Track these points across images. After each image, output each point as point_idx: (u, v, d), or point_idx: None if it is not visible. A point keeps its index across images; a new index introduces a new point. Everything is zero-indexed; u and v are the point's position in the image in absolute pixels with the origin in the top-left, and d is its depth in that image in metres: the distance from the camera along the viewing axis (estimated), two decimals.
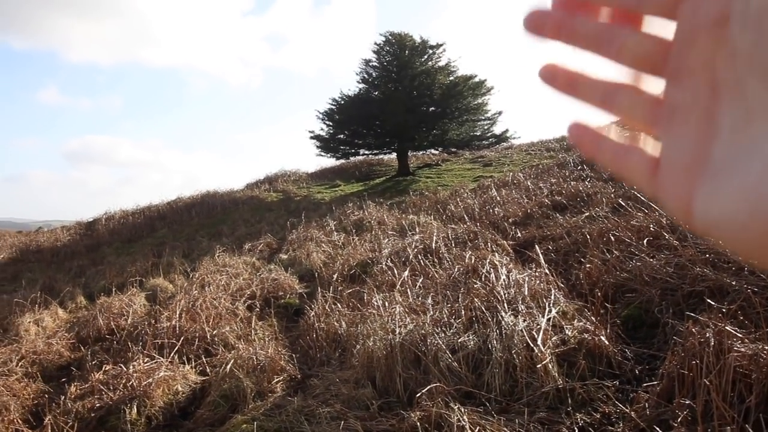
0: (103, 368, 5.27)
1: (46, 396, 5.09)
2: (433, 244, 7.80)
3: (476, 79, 22.18)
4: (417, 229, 9.82)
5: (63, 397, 4.76)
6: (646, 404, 3.14)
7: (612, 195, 8.91)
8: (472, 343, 4.14)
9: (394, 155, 24.47)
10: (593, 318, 4.35)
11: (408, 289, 5.87)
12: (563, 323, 4.28)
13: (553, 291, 4.85)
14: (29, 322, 8.01)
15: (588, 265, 5.51)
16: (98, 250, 16.83)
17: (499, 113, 23.62)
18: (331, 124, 23.50)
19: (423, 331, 4.35)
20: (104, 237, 18.46)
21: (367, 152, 24.52)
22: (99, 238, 18.43)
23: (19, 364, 6.09)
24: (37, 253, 16.87)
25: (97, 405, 4.53)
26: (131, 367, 5.00)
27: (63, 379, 5.70)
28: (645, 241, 5.67)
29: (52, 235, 19.64)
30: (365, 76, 23.69)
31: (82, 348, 6.73)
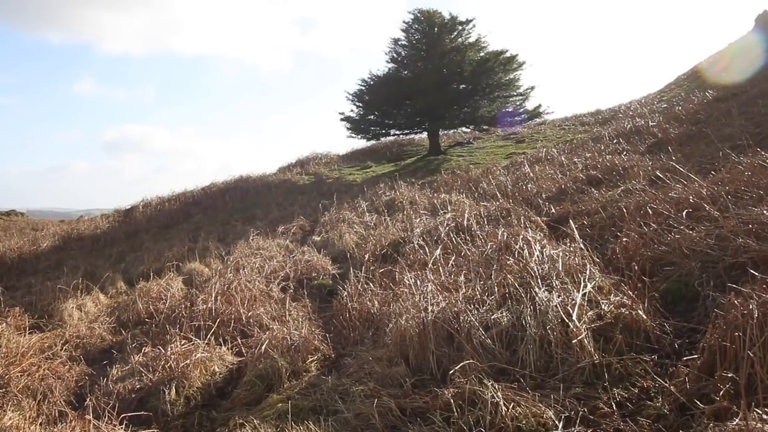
0: (143, 351, 5.41)
1: (89, 378, 5.24)
2: (465, 222, 7.73)
3: (507, 55, 21.70)
4: (449, 208, 9.74)
5: (105, 379, 4.90)
6: (686, 378, 3.06)
7: (649, 167, 8.66)
8: (505, 319, 4.09)
9: (424, 135, 24.25)
10: (630, 292, 4.24)
11: (440, 268, 5.83)
12: (599, 298, 4.19)
13: (588, 266, 4.74)
14: (72, 307, 8.27)
15: (625, 239, 5.37)
16: (136, 237, 17.23)
17: (532, 88, 23.11)
18: (361, 105, 23.37)
19: (455, 309, 4.31)
20: (142, 224, 18.87)
21: (397, 132, 24.35)
22: (137, 224, 18.85)
23: (63, 348, 6.30)
24: (78, 240, 17.36)
25: (138, 386, 4.65)
26: (169, 349, 5.11)
27: (105, 362, 5.87)
28: (684, 213, 5.50)
29: (93, 223, 20.18)
30: (394, 55, 23.44)
31: (122, 331, 6.91)
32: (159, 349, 5.23)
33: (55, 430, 3.90)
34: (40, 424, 4.05)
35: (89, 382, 5.09)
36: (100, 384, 4.85)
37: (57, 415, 4.23)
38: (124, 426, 3.93)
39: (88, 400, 4.35)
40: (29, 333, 6.51)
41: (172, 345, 5.20)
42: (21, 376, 4.71)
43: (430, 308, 4.43)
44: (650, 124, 13.41)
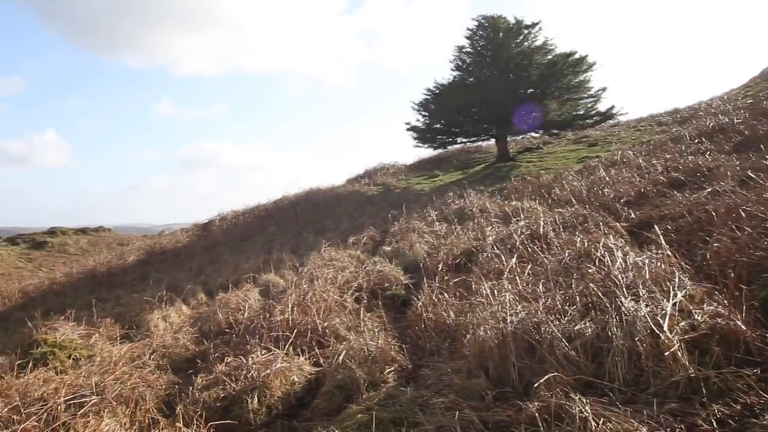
0: (225, 360, 5.57)
1: (176, 387, 5.45)
2: (540, 230, 7.54)
3: (576, 56, 21.10)
4: (521, 215, 9.53)
5: (191, 388, 5.08)
6: None
7: (737, 168, 8.16)
8: (589, 330, 3.94)
9: (492, 141, 23.93)
10: (726, 301, 3.98)
11: (516, 277, 5.70)
12: (691, 307, 3.95)
13: (677, 273, 4.50)
14: (158, 318, 8.67)
15: (716, 245, 5.06)
16: (214, 250, 17.90)
17: (603, 89, 22.34)
18: (426, 114, 23.35)
19: (536, 319, 4.19)
20: (219, 237, 19.59)
21: (464, 140, 24.15)
22: (214, 238, 19.59)
23: (151, 357, 6.59)
24: (160, 254, 18.23)
25: (222, 395, 4.78)
26: (250, 359, 5.23)
27: (190, 371, 6.08)
28: None
29: (173, 237, 21.14)
30: (459, 63, 23.31)
31: (205, 341, 7.15)
32: (240, 358, 5.37)
33: None
34: (135, 430, 4.24)
35: (177, 391, 5.28)
36: (187, 392, 5.03)
37: (149, 422, 4.41)
38: None
39: (177, 408, 4.51)
40: (120, 343, 6.86)
41: (253, 355, 5.33)
42: (115, 383, 4.94)
43: (509, 318, 4.33)
44: (735, 121, 12.66)
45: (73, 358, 6.49)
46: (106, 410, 4.37)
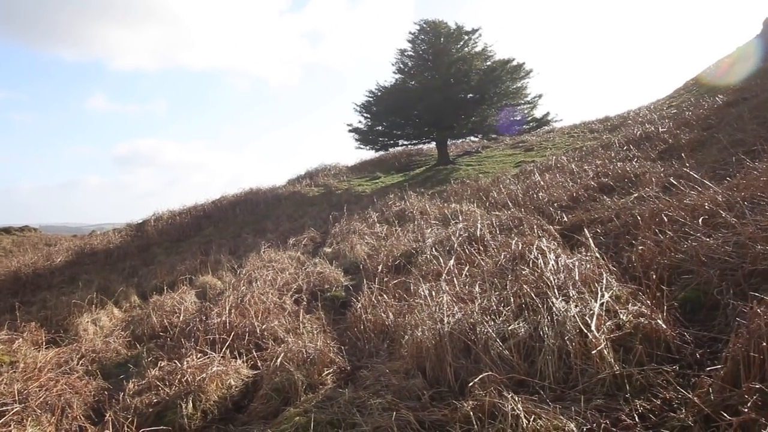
0: (159, 365, 5.40)
1: (106, 393, 5.25)
2: (478, 232, 7.71)
3: (514, 63, 21.75)
4: (460, 218, 9.72)
5: (122, 394, 4.90)
6: (710, 389, 3.01)
7: (662, 174, 8.62)
8: (522, 330, 4.06)
9: (433, 144, 24.28)
10: (648, 301, 4.20)
11: (454, 278, 5.81)
12: (617, 308, 4.15)
13: (604, 275, 4.71)
14: (87, 321, 8.32)
15: (641, 247, 5.33)
16: (149, 251, 17.32)
17: (539, 96, 23.15)
18: (368, 116, 23.46)
19: (472, 320, 4.29)
20: (154, 237, 18.97)
21: (405, 143, 24.41)
22: (149, 238, 18.95)
23: (80, 363, 6.31)
24: (91, 255, 17.47)
25: (155, 400, 4.64)
26: (185, 362, 5.10)
27: (121, 376, 5.87)
28: (700, 220, 5.45)
29: (105, 238, 20.30)
30: (401, 66, 23.54)
31: (137, 345, 6.93)
32: (175, 363, 5.23)
33: None
34: None
35: (107, 397, 5.09)
36: (118, 398, 4.85)
37: (77, 430, 4.23)
38: None
39: (107, 415, 4.35)
40: (46, 348, 6.53)
41: (188, 359, 5.20)
42: (39, 391, 4.71)
43: (446, 319, 4.41)
44: (660, 130, 13.35)
45: None
46: (30, 419, 4.17)
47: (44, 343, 6.83)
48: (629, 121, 18.78)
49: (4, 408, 4.22)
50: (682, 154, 9.39)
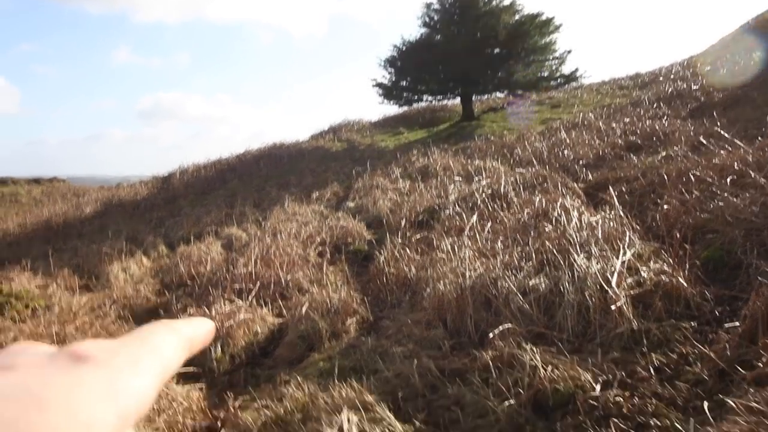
0: (188, 311, 5.62)
1: None
2: (501, 189, 7.71)
3: (543, 18, 21.10)
4: (483, 174, 9.70)
5: None
6: (727, 345, 3.06)
7: (691, 133, 8.45)
8: (543, 285, 4.13)
9: (457, 100, 23.94)
10: (671, 260, 4.21)
11: (477, 234, 5.86)
12: (639, 265, 4.18)
13: (627, 233, 4.72)
14: (118, 269, 8.59)
15: (665, 206, 5.30)
16: (175, 203, 17.61)
17: (568, 52, 22.49)
18: (393, 71, 23.13)
19: (493, 275, 4.36)
20: (179, 190, 19.25)
21: (430, 98, 24.07)
22: (175, 191, 19.24)
23: (112, 308, 6.58)
24: (119, 206, 17.84)
25: None
26: (213, 310, 5.30)
27: (152, 321, 6.11)
28: (728, 180, 5.38)
29: (132, 190, 20.69)
30: (427, 19, 23.02)
31: (166, 293, 7.16)
32: (203, 309, 5.43)
33: None
34: None
35: None
36: None
37: None
38: (174, 381, 4.13)
39: None
40: (79, 293, 6.81)
41: (216, 306, 5.39)
42: (75, 332, 4.96)
43: (468, 273, 4.49)
44: (693, 87, 13.00)
45: (31, 309, 6.44)
46: None
47: (78, 289, 7.12)
48: (660, 78, 18.29)
49: None
50: (714, 113, 9.17)
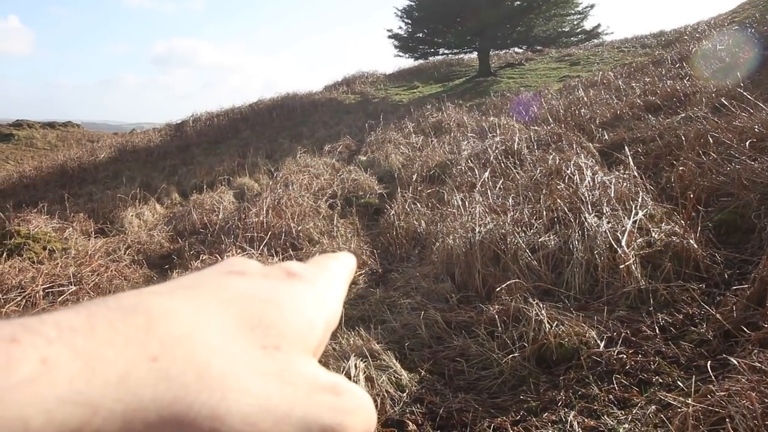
0: (201, 258, 5.70)
1: (152, 280, 5.60)
2: (515, 146, 7.63)
3: None
4: (498, 131, 9.59)
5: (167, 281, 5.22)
6: (734, 307, 3.07)
7: (713, 94, 8.26)
8: (552, 243, 4.14)
9: (474, 55, 23.48)
10: (683, 222, 4.19)
11: (488, 190, 5.85)
12: (650, 226, 4.16)
13: (641, 194, 4.68)
14: (132, 215, 8.71)
15: (681, 168, 5.23)
16: (188, 151, 17.64)
17: (591, 6, 21.88)
18: (409, 21, 22.66)
19: (503, 231, 4.37)
20: (192, 138, 19.25)
21: (446, 52, 23.64)
22: (188, 139, 19.24)
23: (126, 252, 6.69)
24: (133, 153, 17.91)
25: None
26: (225, 257, 5.37)
27: (165, 266, 6.22)
28: (747, 144, 5.28)
29: (146, 137, 20.70)
30: None
31: (179, 240, 7.26)
32: (216, 256, 5.51)
33: None
34: None
35: (153, 283, 5.44)
36: None
37: None
38: None
39: None
40: (95, 237, 6.92)
41: (228, 253, 5.47)
42: (91, 275, 5.07)
43: (477, 229, 4.51)
44: (718, 47, 12.62)
45: (48, 250, 6.56)
46: (85, 299, 4.50)
47: (93, 233, 7.23)
48: (685, 37, 17.75)
49: (62, 288, 4.56)
50: (738, 74, 8.94)
